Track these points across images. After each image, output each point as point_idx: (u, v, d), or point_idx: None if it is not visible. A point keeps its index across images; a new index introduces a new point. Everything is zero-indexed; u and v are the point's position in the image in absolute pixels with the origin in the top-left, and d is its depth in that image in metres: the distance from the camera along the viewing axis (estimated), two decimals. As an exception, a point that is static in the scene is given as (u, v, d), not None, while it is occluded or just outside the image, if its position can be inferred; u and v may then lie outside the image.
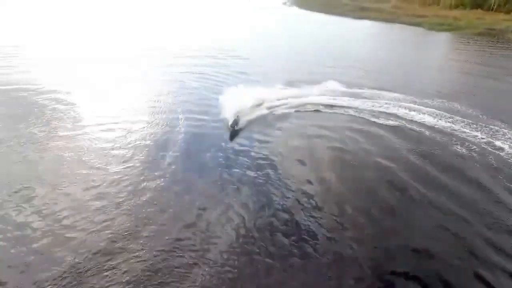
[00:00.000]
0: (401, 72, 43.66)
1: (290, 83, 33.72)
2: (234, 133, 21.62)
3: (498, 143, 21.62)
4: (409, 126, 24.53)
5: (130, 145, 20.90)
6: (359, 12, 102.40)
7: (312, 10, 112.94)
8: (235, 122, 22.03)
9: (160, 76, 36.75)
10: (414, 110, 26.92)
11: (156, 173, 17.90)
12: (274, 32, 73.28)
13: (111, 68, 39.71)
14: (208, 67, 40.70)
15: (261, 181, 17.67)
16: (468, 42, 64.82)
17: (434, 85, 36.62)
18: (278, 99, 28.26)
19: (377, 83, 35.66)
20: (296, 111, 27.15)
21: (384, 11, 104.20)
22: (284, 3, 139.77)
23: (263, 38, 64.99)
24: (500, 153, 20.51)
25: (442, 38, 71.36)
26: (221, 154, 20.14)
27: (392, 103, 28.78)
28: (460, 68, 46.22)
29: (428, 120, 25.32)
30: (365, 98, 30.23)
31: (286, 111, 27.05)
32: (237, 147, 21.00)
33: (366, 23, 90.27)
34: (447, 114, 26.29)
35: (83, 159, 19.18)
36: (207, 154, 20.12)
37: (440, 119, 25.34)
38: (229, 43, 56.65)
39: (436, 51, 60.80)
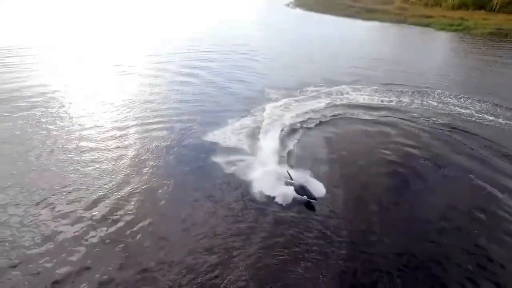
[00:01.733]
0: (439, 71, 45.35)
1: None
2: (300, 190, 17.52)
3: None
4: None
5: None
6: (367, 14, 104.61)
7: (319, 12, 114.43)
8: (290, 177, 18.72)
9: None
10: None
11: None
12: (300, 34, 74.16)
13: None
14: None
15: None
16: (482, 41, 67.54)
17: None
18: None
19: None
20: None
21: (390, 12, 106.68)
22: (288, 5, 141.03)
23: (290, 41, 65.75)
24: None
25: (458, 38, 73.72)
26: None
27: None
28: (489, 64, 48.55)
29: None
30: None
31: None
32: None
33: (377, 24, 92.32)
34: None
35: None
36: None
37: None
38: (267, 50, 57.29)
39: (464, 51, 63.10)
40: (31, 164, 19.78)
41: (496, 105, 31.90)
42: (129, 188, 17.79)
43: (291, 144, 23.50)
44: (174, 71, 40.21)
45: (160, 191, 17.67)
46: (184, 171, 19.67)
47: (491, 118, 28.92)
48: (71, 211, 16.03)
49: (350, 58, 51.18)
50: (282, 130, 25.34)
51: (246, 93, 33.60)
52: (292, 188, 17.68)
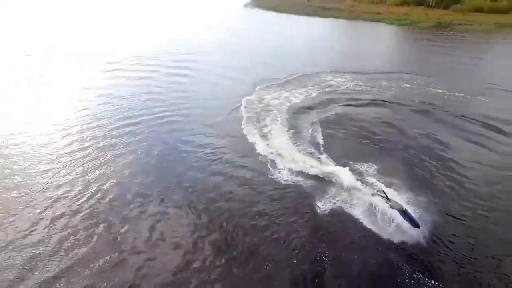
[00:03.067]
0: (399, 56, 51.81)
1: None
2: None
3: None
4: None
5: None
6: (324, 12, 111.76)
7: (279, 11, 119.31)
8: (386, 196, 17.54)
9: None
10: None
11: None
12: (267, 32, 77.63)
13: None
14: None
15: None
16: (429, 33, 76.87)
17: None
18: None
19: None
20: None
21: (343, 10, 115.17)
22: (246, 6, 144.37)
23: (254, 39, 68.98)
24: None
25: (407, 31, 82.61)
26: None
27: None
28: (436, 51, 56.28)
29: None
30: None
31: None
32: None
33: (335, 21, 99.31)
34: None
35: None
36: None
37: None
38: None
39: (414, 41, 71.21)
40: None
41: (441, 80, 38.99)
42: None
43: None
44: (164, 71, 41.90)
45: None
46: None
47: (438, 90, 36.38)
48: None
49: (325, 51, 55.99)
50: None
51: (237, 87, 36.47)
52: (395, 212, 16.17)
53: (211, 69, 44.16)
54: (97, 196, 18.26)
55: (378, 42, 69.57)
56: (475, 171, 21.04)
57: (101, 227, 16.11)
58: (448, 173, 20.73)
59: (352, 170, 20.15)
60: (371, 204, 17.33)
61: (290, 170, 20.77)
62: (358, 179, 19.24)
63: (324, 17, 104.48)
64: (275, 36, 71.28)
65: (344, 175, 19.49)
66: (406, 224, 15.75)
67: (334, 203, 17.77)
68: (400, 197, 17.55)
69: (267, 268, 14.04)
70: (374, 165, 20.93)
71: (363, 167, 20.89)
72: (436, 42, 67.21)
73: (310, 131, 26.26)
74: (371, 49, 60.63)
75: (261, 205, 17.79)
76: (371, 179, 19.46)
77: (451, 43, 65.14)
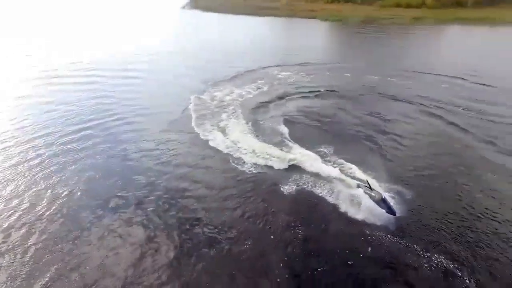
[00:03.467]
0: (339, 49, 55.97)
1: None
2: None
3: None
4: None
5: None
6: (262, 11, 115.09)
7: (219, 12, 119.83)
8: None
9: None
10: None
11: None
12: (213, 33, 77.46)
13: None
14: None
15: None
16: (359, 27, 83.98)
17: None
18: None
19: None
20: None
21: (280, 9, 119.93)
22: (183, 7, 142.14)
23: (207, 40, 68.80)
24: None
25: (340, 26, 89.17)
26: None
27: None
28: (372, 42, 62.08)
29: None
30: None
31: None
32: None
33: (274, 19, 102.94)
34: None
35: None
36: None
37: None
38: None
39: (347, 34, 77.04)
40: None
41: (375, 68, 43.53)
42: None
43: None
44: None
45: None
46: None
47: (374, 77, 40.68)
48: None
49: (268, 48, 58.06)
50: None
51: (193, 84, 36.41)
52: (370, 200, 17.04)
53: (158, 71, 43.13)
54: (53, 205, 17.03)
55: (316, 37, 74.27)
56: (412, 140, 24.22)
57: (54, 237, 15.16)
58: (392, 143, 23.56)
59: (314, 153, 21.71)
60: (332, 184, 18.76)
61: (252, 159, 21.57)
62: (321, 162, 20.62)
63: (264, 16, 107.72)
64: (219, 36, 71.82)
65: (306, 159, 20.79)
66: (380, 210, 16.53)
67: (300, 185, 18.96)
68: (359, 169, 19.68)
69: (247, 245, 14.65)
70: (332, 146, 22.66)
71: (322, 149, 22.49)
72: (367, 34, 73.86)
73: (267, 122, 27.39)
74: (310, 43, 64.41)
75: (228, 193, 18.30)
76: (333, 158, 21.13)
77: (379, 35, 72.19)
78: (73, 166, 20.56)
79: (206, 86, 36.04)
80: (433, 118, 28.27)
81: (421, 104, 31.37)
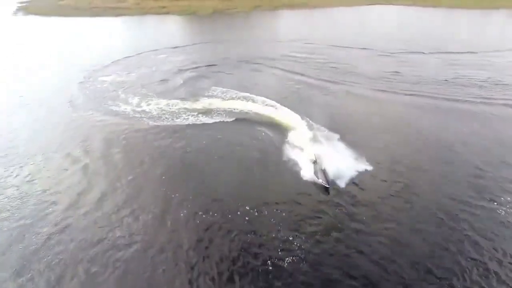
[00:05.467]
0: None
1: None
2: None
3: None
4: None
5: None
6: (112, 11, 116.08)
7: (62, 16, 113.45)
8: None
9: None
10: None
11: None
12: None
13: None
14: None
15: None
16: (210, 18, 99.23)
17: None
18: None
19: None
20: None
21: (131, 8, 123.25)
22: (15, 14, 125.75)
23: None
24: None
25: (195, 18, 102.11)
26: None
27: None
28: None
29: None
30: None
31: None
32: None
33: (127, 18, 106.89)
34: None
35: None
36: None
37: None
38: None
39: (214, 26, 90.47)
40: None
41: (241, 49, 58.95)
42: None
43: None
44: None
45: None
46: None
47: (238, 50, 54.99)
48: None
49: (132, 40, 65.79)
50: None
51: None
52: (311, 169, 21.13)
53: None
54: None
55: (173, 31, 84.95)
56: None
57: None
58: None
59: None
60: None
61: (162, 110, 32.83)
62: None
63: (116, 16, 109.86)
64: (77, 40, 73.54)
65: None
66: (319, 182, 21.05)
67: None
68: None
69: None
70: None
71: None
72: (222, 24, 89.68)
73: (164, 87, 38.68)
74: (170, 35, 75.04)
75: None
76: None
77: (232, 24, 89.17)
78: None
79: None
80: (275, 69, 45.33)
81: (260, 63, 48.28)
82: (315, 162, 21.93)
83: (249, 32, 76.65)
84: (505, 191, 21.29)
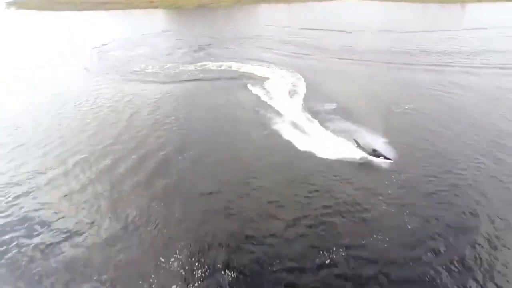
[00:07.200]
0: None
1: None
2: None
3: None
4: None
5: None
6: (104, 5, 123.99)
7: (55, 10, 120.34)
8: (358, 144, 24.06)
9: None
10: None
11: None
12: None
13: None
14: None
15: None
16: (196, 11, 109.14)
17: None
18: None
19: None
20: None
21: (122, 2, 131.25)
22: (8, 7, 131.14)
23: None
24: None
25: (181, 12, 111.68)
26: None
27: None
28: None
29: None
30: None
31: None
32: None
33: (119, 12, 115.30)
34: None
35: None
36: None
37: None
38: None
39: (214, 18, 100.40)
40: None
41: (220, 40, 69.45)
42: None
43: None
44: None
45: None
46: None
47: (225, 34, 65.62)
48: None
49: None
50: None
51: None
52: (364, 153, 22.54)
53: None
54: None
55: (167, 21, 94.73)
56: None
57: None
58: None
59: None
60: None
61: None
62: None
63: (108, 10, 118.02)
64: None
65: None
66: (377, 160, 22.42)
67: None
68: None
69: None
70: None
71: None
72: (209, 15, 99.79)
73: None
74: (163, 22, 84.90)
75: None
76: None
77: (217, 16, 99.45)
78: None
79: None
80: (255, 45, 55.95)
81: (242, 42, 59.02)
82: (359, 146, 23.76)
83: (233, 21, 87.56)
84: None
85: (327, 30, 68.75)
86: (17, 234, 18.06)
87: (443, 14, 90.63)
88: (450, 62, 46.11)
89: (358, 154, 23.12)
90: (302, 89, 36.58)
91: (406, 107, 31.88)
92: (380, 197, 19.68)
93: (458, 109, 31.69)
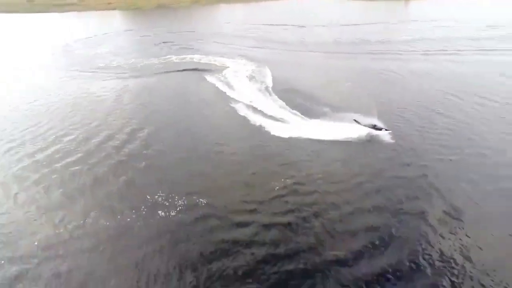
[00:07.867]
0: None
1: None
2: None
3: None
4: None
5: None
6: (60, 7, 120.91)
7: (12, 13, 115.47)
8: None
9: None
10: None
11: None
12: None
13: None
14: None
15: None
16: (156, 12, 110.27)
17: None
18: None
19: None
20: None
21: (78, 4, 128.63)
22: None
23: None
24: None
25: (141, 13, 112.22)
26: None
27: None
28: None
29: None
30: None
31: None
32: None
33: (75, 13, 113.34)
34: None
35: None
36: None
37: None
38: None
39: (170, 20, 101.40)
40: None
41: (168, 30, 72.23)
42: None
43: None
44: None
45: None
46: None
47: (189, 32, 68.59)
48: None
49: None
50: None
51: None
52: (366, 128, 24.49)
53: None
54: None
55: (119, 25, 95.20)
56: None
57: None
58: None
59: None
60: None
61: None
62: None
63: (64, 12, 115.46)
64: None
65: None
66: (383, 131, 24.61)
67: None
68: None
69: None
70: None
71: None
72: (170, 15, 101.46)
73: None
74: (123, 28, 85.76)
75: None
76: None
77: (177, 15, 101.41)
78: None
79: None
80: (214, 41, 59.52)
81: (203, 39, 62.40)
82: (358, 122, 25.75)
83: (193, 19, 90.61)
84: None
85: (282, 25, 74.47)
86: None
87: (387, 9, 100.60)
88: (387, 50, 53.16)
89: (364, 131, 25.32)
90: (260, 75, 40.90)
91: (346, 85, 37.54)
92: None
93: (388, 83, 38.01)
